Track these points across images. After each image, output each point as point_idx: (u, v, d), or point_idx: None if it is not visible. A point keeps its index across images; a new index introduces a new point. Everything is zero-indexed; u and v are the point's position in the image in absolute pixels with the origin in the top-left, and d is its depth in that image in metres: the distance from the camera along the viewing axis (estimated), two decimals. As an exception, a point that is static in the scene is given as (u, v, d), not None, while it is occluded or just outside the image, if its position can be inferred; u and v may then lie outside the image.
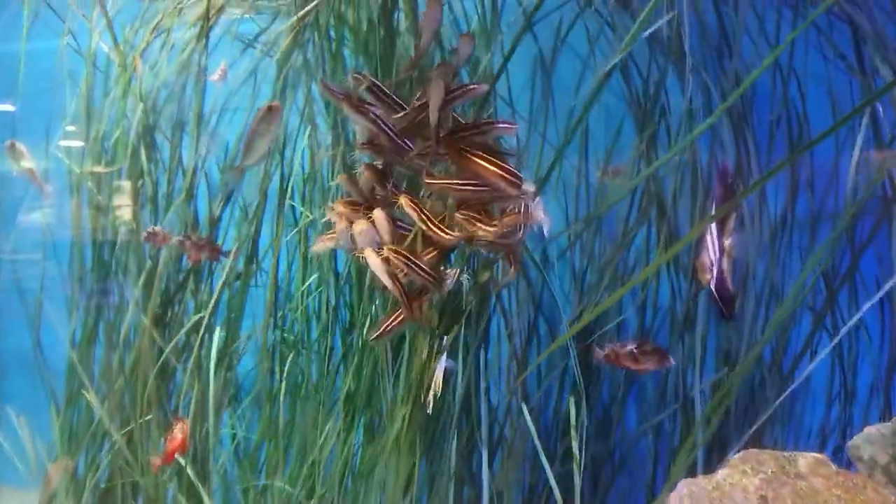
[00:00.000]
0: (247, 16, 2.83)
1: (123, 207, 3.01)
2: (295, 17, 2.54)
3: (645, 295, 2.65)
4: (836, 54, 2.35)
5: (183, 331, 2.70)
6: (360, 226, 1.84)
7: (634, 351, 1.99)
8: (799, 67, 2.46)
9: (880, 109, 2.29)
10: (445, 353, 2.08)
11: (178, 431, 2.20)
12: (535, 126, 2.86)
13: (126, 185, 2.98)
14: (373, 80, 1.80)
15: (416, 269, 1.83)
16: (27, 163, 2.84)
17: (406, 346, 2.44)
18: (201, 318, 2.71)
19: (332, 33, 2.74)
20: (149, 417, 2.67)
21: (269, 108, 2.10)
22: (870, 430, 1.79)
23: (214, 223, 2.80)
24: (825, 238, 2.47)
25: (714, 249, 1.85)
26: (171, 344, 2.73)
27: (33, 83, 3.25)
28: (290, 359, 2.97)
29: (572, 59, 2.82)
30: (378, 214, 1.83)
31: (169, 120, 2.85)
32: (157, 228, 2.75)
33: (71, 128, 3.18)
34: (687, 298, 2.40)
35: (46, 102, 3.26)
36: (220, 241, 2.96)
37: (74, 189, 3.11)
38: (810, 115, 2.45)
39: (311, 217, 2.83)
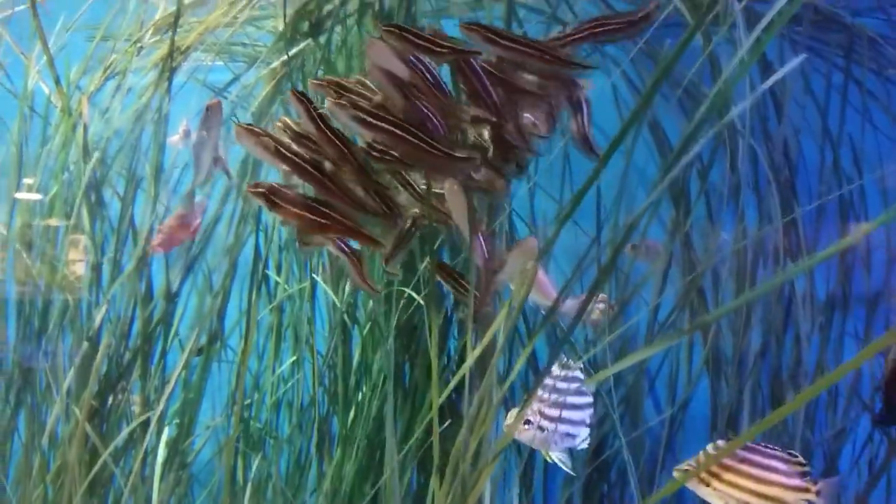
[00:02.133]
0: (217, 62, 2.44)
1: (78, 263, 2.55)
2: (278, 62, 2.17)
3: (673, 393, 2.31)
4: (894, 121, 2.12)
5: (127, 430, 2.21)
6: None
7: None
8: (848, 135, 2.22)
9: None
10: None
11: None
12: (543, 191, 2.56)
13: (81, 238, 2.53)
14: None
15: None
16: None
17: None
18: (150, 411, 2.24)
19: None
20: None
21: (207, 109, 1.88)
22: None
23: (171, 296, 2.34)
24: (885, 319, 2.19)
25: None
26: (112, 447, 2.23)
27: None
28: (256, 454, 2.52)
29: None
30: None
31: (121, 174, 2.41)
32: None
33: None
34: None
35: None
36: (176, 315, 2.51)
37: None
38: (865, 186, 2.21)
39: (288, 291, 2.41)
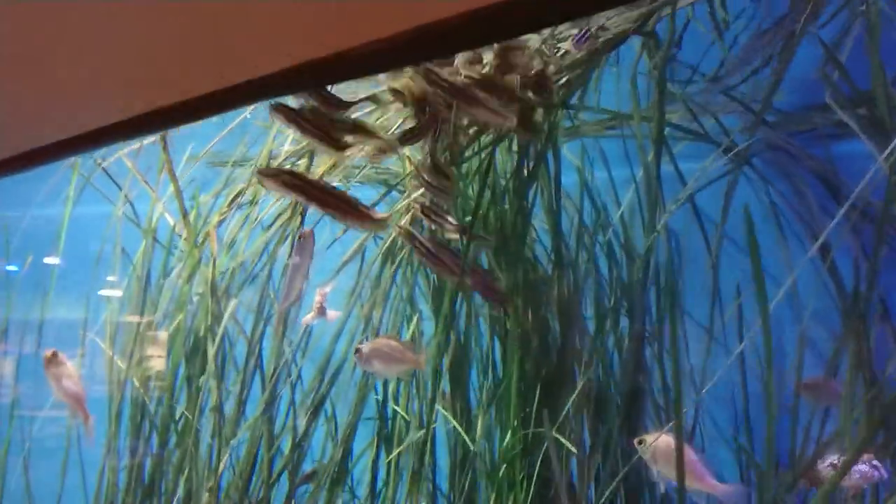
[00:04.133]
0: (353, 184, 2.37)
1: (155, 358, 2.48)
2: (416, 193, 2.08)
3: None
4: None
5: None
6: None
7: None
8: None
9: None
10: None
11: None
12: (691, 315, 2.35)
13: (162, 335, 2.48)
14: None
15: None
16: (71, 383, 2.23)
17: None
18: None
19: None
20: None
21: (300, 238, 2.02)
22: None
23: (298, 443, 2.20)
24: None
25: None
26: None
27: (82, 248, 2.79)
28: None
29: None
30: None
31: (247, 309, 2.32)
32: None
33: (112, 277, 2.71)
34: None
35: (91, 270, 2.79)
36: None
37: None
38: None
39: (417, 435, 2.23)
